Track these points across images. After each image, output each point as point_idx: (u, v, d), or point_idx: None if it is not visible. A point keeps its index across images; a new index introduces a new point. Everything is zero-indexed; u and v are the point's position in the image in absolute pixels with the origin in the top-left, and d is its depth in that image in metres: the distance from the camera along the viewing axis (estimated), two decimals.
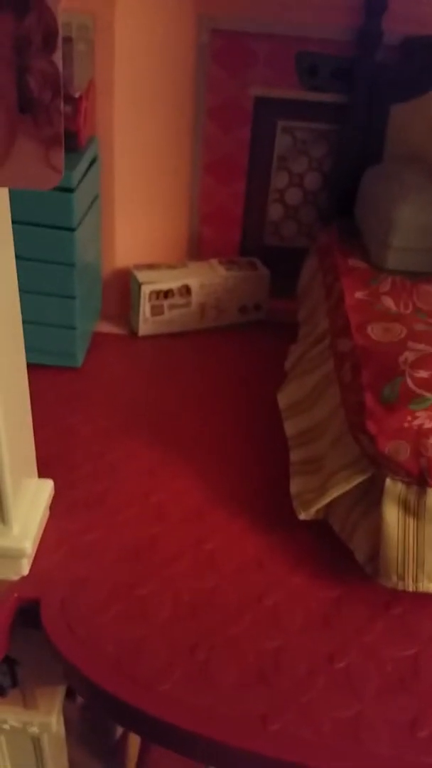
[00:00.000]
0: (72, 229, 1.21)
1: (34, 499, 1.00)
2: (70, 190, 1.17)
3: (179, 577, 0.99)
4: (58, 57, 0.55)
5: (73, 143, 1.20)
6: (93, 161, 1.30)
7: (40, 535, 1.00)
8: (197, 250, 1.57)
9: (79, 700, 1.36)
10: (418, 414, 0.90)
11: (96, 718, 1.45)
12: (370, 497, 0.97)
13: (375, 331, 1.07)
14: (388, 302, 1.16)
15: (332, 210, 1.48)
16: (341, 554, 1.01)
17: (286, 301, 1.52)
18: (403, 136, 1.38)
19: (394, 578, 0.92)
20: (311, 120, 1.43)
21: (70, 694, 1.24)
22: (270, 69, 1.37)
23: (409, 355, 1.00)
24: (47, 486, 1.03)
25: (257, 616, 0.94)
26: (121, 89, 1.31)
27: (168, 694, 0.84)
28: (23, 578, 0.96)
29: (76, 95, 1.17)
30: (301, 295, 1.45)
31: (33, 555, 0.97)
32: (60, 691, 1.17)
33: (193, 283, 1.45)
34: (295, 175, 1.49)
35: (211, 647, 0.90)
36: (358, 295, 1.18)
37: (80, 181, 1.21)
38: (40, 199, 1.17)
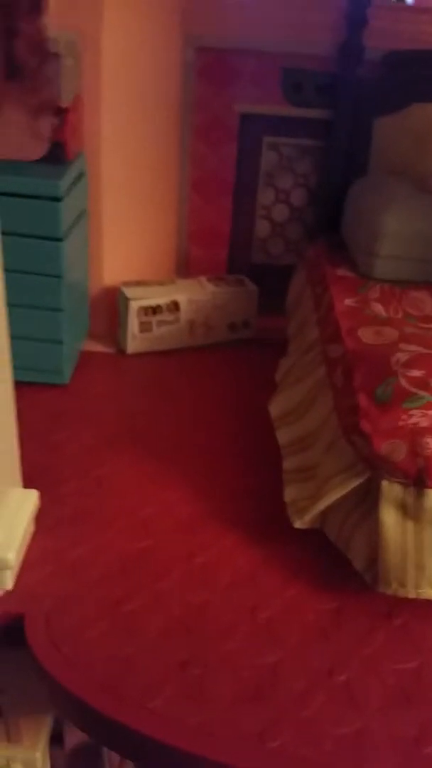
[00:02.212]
0: (59, 239, 1.19)
1: (19, 509, 0.96)
2: (57, 199, 1.16)
3: (169, 592, 0.94)
4: (45, 21, 0.54)
5: (60, 154, 1.19)
6: (80, 176, 1.29)
7: (24, 548, 0.96)
8: (185, 268, 1.56)
9: (68, 745, 1.29)
10: (412, 412, 0.88)
11: (85, 765, 1.38)
12: (366, 502, 0.94)
13: (366, 335, 1.05)
14: (378, 308, 1.15)
15: (319, 226, 1.48)
16: (338, 564, 0.98)
17: (275, 318, 1.51)
18: (388, 149, 1.38)
19: (394, 585, 0.88)
20: (296, 136, 1.44)
21: (56, 739, 1.17)
22: (255, 86, 1.39)
23: (401, 356, 0.98)
24: (32, 496, 0.99)
25: (252, 631, 0.90)
26: (108, 106, 1.31)
27: (159, 711, 0.79)
28: (6, 593, 0.91)
29: (63, 106, 1.17)
30: (290, 310, 1.44)
31: (17, 568, 0.93)
32: (46, 723, 1.11)
33: (182, 299, 1.43)
34: (281, 191, 1.50)
35: (205, 663, 0.85)
36: (348, 302, 1.17)
37: (67, 192, 1.20)
38: (27, 208, 1.16)
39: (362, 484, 0.92)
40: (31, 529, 1.00)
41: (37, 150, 0.61)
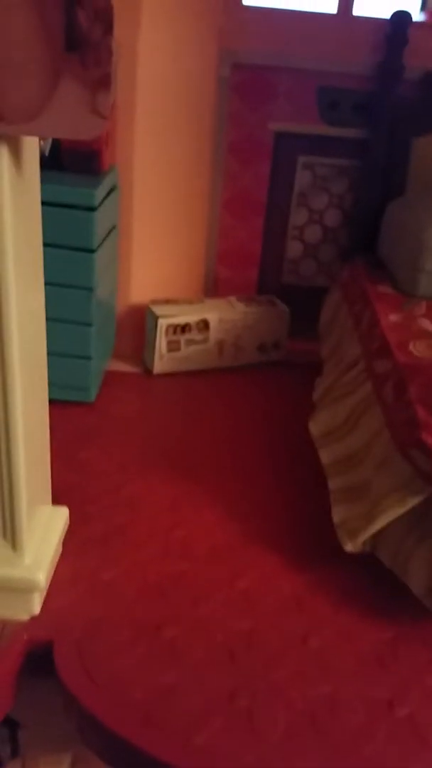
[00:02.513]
0: (92, 251, 1.15)
1: (48, 526, 0.89)
2: (91, 209, 1.12)
3: (211, 618, 0.87)
4: None
5: (95, 164, 1.17)
6: (113, 188, 1.26)
7: (53, 570, 0.89)
8: (213, 287, 1.52)
9: None
10: None
11: None
12: (425, 522, 0.87)
13: (418, 348, 1.00)
14: (426, 324, 1.10)
15: (352, 247, 1.45)
16: (392, 590, 0.90)
17: (306, 341, 1.46)
18: (426, 169, 1.35)
19: None
20: (332, 155, 1.41)
21: None
22: (290, 103, 1.37)
23: None
24: (62, 514, 0.93)
25: (303, 660, 0.82)
26: (141, 119, 1.29)
27: (205, 747, 0.71)
28: (34, 618, 0.84)
29: None
30: (323, 332, 1.39)
31: (45, 590, 0.86)
32: (65, 762, 1.02)
33: (212, 317, 1.39)
34: (314, 211, 1.46)
35: (253, 694, 0.77)
36: (393, 318, 1.12)
37: (101, 203, 1.16)
38: (60, 217, 1.12)
39: (420, 502, 0.86)
40: (60, 549, 0.93)
41: (95, 128, 0.56)
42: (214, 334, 1.40)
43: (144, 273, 1.43)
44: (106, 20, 0.52)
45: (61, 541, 0.93)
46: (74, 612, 0.86)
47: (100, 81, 0.55)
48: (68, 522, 0.94)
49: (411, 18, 1.27)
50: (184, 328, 1.38)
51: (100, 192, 1.15)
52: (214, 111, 1.36)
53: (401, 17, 1.27)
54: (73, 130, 0.57)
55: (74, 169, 1.18)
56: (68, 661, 0.80)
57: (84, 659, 0.80)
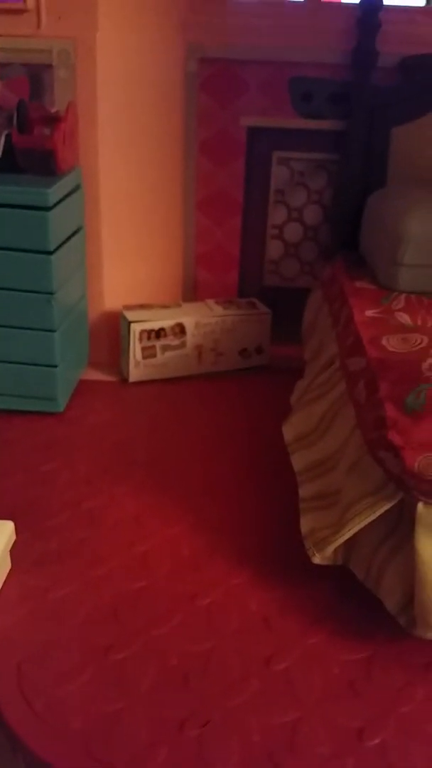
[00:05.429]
0: (50, 252, 1.10)
1: None
2: (45, 209, 1.07)
3: (167, 639, 0.80)
4: None
5: (51, 165, 1.12)
6: (75, 189, 1.21)
7: None
8: (192, 292, 1.46)
9: None
10: None
11: None
12: (399, 531, 0.80)
13: (391, 342, 0.93)
14: (404, 318, 1.03)
15: (334, 245, 1.38)
16: (367, 607, 0.83)
17: (290, 345, 1.39)
18: (407, 159, 1.29)
19: None
20: (308, 150, 1.35)
21: None
22: (262, 97, 1.31)
23: None
24: (6, 528, 0.86)
25: (264, 685, 0.75)
26: (105, 118, 1.24)
27: None
28: None
29: (53, 111, 1.10)
30: (306, 333, 1.32)
31: None
32: None
33: (188, 321, 1.33)
34: (293, 209, 1.40)
35: (206, 723, 0.70)
36: (369, 313, 1.05)
37: (58, 203, 1.11)
38: (14, 219, 1.07)
39: (393, 508, 0.78)
40: (7, 567, 0.87)
41: None
42: (191, 339, 1.34)
43: (117, 278, 1.38)
44: None
45: (7, 559, 0.87)
46: (17, 634, 0.79)
47: None
48: (14, 537, 0.88)
49: (381, 2, 1.21)
50: (159, 333, 1.32)
51: (56, 192, 1.10)
52: (183, 108, 1.31)
53: (371, 1, 1.21)
54: None
55: (31, 171, 1.13)
56: (6, 686, 0.73)
57: (23, 684, 0.73)
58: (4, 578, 0.85)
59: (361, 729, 0.70)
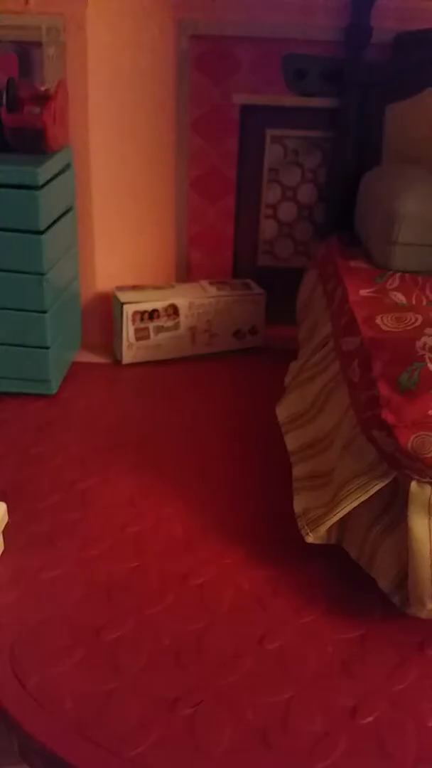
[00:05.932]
0: (40, 232, 1.08)
1: None
2: (35, 188, 1.06)
3: (160, 619, 0.80)
4: None
5: (41, 143, 1.10)
6: (66, 168, 1.19)
7: None
8: (186, 273, 1.44)
9: None
10: None
11: None
12: (392, 509, 0.79)
13: (386, 321, 0.92)
14: (399, 297, 1.02)
15: (329, 224, 1.36)
16: (361, 586, 0.83)
17: (285, 326, 1.38)
18: (402, 137, 1.27)
19: (429, 605, 0.73)
20: (302, 127, 1.33)
21: None
22: (255, 74, 1.29)
23: (428, 340, 0.85)
24: None
25: (259, 664, 0.75)
26: (95, 97, 1.22)
27: (141, 760, 0.64)
28: None
29: (42, 89, 1.08)
30: (300, 314, 1.31)
31: None
32: None
33: (182, 302, 1.32)
34: (287, 188, 1.39)
35: (199, 702, 0.70)
36: (363, 292, 1.04)
37: (48, 183, 1.09)
38: (4, 198, 1.06)
39: (386, 487, 0.78)
40: (0, 547, 0.86)
41: None
42: (184, 320, 1.33)
43: (110, 259, 1.36)
44: None
45: (0, 538, 0.86)
46: (9, 614, 0.79)
47: None
48: (6, 518, 0.87)
49: None
50: (152, 314, 1.31)
51: (45, 170, 1.08)
52: (175, 86, 1.29)
53: None
54: None
55: (21, 150, 1.12)
56: None
57: (16, 663, 0.73)
58: None
59: (355, 707, 0.70)
